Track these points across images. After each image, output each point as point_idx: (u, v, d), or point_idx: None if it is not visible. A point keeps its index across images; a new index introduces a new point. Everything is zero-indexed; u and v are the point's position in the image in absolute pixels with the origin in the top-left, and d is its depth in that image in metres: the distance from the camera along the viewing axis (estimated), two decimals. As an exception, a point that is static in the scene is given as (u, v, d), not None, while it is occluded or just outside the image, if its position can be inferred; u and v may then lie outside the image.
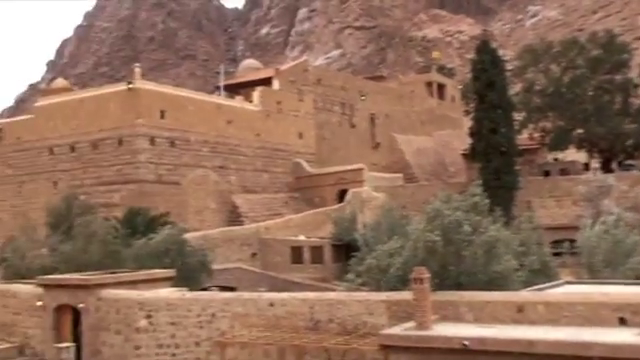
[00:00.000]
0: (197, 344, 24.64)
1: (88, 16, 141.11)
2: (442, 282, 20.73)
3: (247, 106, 60.64)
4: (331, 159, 66.21)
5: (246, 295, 25.31)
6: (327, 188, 60.66)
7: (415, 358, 17.45)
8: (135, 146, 50.51)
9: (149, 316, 25.64)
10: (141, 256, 33.43)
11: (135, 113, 50.71)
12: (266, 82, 64.51)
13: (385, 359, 18.26)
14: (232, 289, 33.66)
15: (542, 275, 25.76)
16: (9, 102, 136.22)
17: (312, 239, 48.37)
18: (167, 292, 27.09)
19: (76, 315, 27.38)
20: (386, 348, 18.12)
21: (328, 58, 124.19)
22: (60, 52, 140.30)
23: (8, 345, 30.26)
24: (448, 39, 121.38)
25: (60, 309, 28.00)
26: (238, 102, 60.76)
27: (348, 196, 54.36)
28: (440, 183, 60.97)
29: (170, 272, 30.09)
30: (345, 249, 42.37)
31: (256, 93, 61.98)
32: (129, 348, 25.80)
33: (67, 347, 23.52)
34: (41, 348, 28.70)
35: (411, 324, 18.78)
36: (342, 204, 53.97)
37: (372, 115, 77.67)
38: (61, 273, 31.34)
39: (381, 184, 58.68)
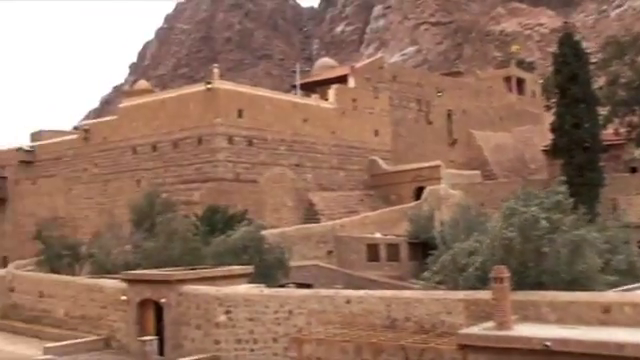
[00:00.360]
0: (275, 340, 24.93)
1: (168, 19, 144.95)
2: (522, 281, 20.21)
3: (323, 104, 60.88)
4: (407, 156, 65.65)
5: (323, 292, 25.41)
6: (403, 185, 60.20)
7: (494, 358, 17.08)
8: (214, 145, 51.54)
9: (228, 312, 26.11)
10: (220, 253, 34.10)
11: (214, 113, 51.73)
12: (341, 80, 64.57)
13: (463, 359, 17.96)
14: (309, 286, 33.87)
15: (630, 276, 24.76)
16: (95, 104, 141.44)
17: (388, 237, 48.13)
18: (245, 288, 27.53)
19: (158, 310, 28.19)
20: (464, 348, 17.81)
21: (404, 55, 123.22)
22: (142, 54, 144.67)
23: (95, 337, 31.50)
24: (527, 32, 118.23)
25: (143, 303, 28.89)
26: (314, 100, 61.09)
27: (425, 193, 53.78)
28: (520, 180, 59.38)
29: (248, 269, 30.58)
30: (422, 247, 41.92)
31: (332, 91, 62.12)
32: (209, 343, 26.36)
33: (150, 340, 24.25)
34: (126, 341, 29.71)
35: (490, 324, 18.39)
36: (419, 202, 53.44)
37: (449, 111, 76.58)
38: (144, 269, 32.32)
39: (458, 181, 57.77)
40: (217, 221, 39.80)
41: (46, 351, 27.31)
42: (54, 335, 33.29)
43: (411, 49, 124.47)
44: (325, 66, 74.14)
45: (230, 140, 52.09)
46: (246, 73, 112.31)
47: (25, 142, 70.32)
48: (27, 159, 66.64)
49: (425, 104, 73.56)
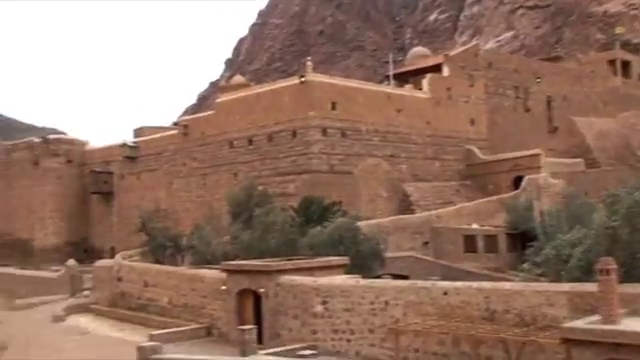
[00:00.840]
0: (371, 331, 24.93)
1: (262, 14, 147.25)
2: (629, 273, 19.27)
3: (417, 94, 60.16)
4: (504, 145, 63.85)
5: (419, 283, 25.17)
6: (501, 175, 58.69)
7: (601, 354, 16.35)
8: (308, 137, 51.98)
9: (325, 302, 26.34)
10: (316, 244, 34.38)
11: (307, 105, 52.14)
12: (435, 69, 63.53)
13: (567, 353, 17.30)
14: (404, 277, 33.62)
15: None
16: (192, 100, 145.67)
17: (485, 227, 47.09)
18: (341, 279, 27.65)
19: (257, 299, 28.77)
20: (568, 342, 17.15)
21: (499, 41, 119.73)
22: (237, 50, 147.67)
23: (197, 326, 32.55)
24: (633, 12, 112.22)
25: (242, 293, 29.57)
26: (407, 90, 60.45)
27: (524, 183, 52.21)
28: (626, 168, 56.60)
29: (344, 259, 30.70)
30: (521, 238, 40.79)
31: (425, 80, 61.26)
32: (306, 332, 26.68)
33: (249, 329, 24.78)
34: (226, 329, 30.52)
35: (596, 318, 17.63)
36: (517, 191, 51.97)
37: (548, 98, 73.91)
38: (242, 260, 33.05)
39: (559, 170, 55.72)
40: (313, 212, 40.12)
41: (151, 338, 28.44)
42: (158, 323, 34.68)
43: (507, 35, 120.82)
44: (418, 55, 73.15)
45: (324, 132, 52.38)
46: (339, 65, 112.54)
47: (128, 138, 73.34)
48: (131, 155, 69.51)
49: (523, 91, 71.31)
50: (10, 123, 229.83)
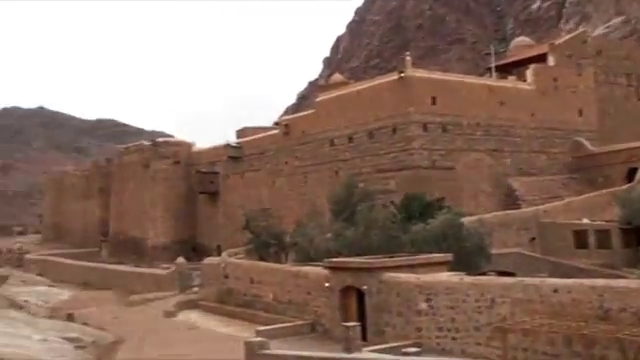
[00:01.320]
0: (477, 329, 24.41)
1: (359, 12, 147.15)
2: None
3: (520, 85, 58.36)
4: (616, 136, 60.73)
5: (527, 280, 24.37)
6: (613, 167, 55.85)
7: None
8: (408, 133, 51.55)
9: (428, 299, 26.01)
10: (418, 241, 34.03)
11: (407, 101, 51.70)
12: (540, 59, 61.35)
13: (692, 355, 16.27)
14: (510, 274, 32.68)
15: None
16: (292, 100, 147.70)
17: (597, 222, 45.01)
18: (445, 276, 27.23)
19: (360, 296, 28.79)
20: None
21: (608, 27, 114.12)
22: (335, 49, 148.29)
23: (302, 322, 32.96)
24: None
25: (345, 290, 29.68)
26: (510, 82, 58.74)
27: (639, 175, 49.56)
28: None
29: (447, 256, 30.21)
30: (636, 233, 38.77)
31: (529, 71, 59.31)
32: (410, 330, 26.45)
33: (353, 326, 24.80)
34: (330, 326, 30.73)
35: None
36: (631, 184, 49.37)
37: (664, 85, 69.79)
38: (344, 257, 33.15)
39: (678, 160, 52.46)
40: (414, 209, 39.70)
41: (258, 334, 29.05)
42: (264, 319, 35.39)
43: (617, 20, 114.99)
44: (521, 45, 70.90)
45: (425, 128, 51.79)
46: (438, 59, 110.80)
47: (232, 139, 75.32)
48: (234, 155, 71.35)
49: (636, 79, 67.63)
50: (122, 128, 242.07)
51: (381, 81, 56.01)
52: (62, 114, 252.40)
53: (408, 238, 34.90)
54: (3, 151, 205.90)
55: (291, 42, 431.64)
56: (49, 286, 63.06)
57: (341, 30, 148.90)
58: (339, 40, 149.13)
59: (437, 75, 56.21)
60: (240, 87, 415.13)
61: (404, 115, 51.70)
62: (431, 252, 31.15)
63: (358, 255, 32.70)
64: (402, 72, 52.39)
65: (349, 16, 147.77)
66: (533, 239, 45.10)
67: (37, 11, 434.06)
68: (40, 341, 25.64)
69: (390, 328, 27.36)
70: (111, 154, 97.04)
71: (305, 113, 68.18)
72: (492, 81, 59.20)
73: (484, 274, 31.54)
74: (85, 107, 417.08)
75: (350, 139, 56.35)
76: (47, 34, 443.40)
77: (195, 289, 50.10)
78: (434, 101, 52.25)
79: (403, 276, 27.53)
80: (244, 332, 33.01)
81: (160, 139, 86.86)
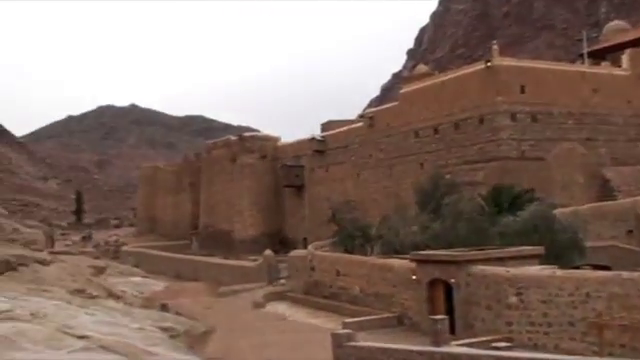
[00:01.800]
0: (571, 324, 23.65)
1: (443, 1, 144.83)
2: None
3: (615, 71, 55.88)
4: None
5: (625, 275, 23.36)
6: None
7: None
8: (496, 124, 50.38)
9: (519, 293, 25.40)
10: (507, 233, 33.23)
11: (494, 91, 50.52)
12: (636, 43, 58.49)
13: None
14: (606, 268, 31.40)
15: None
16: (376, 92, 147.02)
17: (700, 214, 42.58)
18: (536, 269, 26.50)
19: (448, 289, 28.43)
20: None
21: None
22: (419, 40, 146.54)
23: (388, 314, 32.88)
24: None
25: (433, 283, 29.38)
26: (604, 68, 56.36)
27: None
28: None
29: (538, 249, 29.38)
30: None
31: (625, 56, 56.64)
32: (500, 324, 25.92)
33: (441, 319, 24.50)
34: (417, 319, 30.51)
35: None
36: None
37: None
38: (431, 249, 32.79)
39: None
40: (503, 201, 38.75)
41: (345, 326, 29.15)
42: (351, 311, 35.50)
43: None
44: (616, 30, 67.80)
45: (513, 117, 50.47)
46: (527, 47, 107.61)
47: (317, 132, 75.78)
48: (319, 148, 71.78)
49: None
50: (209, 123, 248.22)
51: (467, 71, 54.94)
52: (153, 111, 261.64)
53: (497, 231, 34.14)
54: (99, 148, 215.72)
55: (374, 35, 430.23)
56: (144, 277, 65.45)
57: (425, 20, 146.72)
58: (423, 31, 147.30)
59: (526, 63, 54.68)
60: (322, 81, 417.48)
61: (491, 105, 50.55)
62: (521, 245, 30.35)
63: (445, 248, 32.27)
64: (489, 61, 51.21)
65: (433, 6, 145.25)
66: (630, 231, 43.13)
67: (128, 11, 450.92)
68: (137, 330, 26.66)
69: (479, 322, 26.89)
70: (200, 149, 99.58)
71: (389, 105, 67.75)
72: (585, 68, 56.95)
73: (578, 268, 30.49)
74: (173, 104, 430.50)
75: (435, 130, 55.60)
76: (137, 34, 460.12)
77: (282, 281, 50.85)
78: (523, 90, 50.81)
79: (492, 269, 26.98)
80: (331, 324, 33.26)
81: (247, 134, 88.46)
